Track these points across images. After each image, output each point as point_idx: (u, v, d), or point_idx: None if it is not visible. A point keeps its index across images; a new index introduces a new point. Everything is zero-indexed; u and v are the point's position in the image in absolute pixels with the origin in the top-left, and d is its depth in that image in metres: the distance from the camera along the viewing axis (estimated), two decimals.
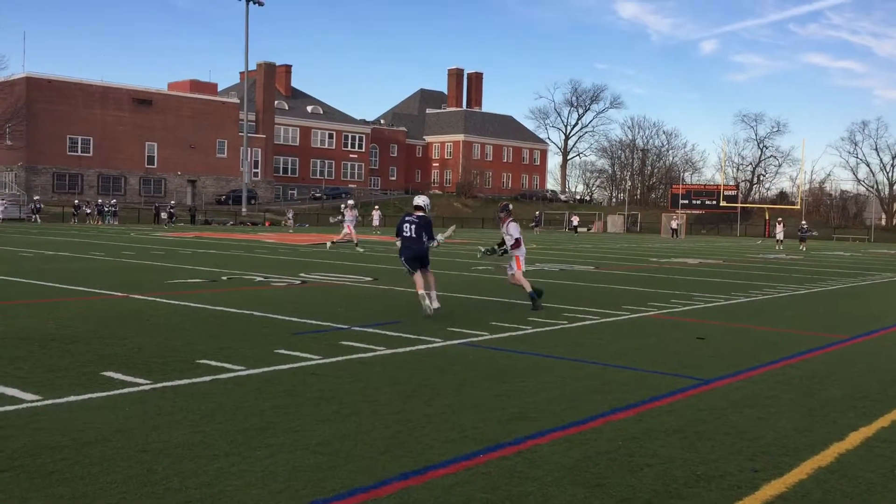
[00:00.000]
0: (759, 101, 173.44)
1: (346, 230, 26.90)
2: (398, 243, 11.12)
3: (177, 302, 11.14)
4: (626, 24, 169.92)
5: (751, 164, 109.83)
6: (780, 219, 51.72)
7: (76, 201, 55.78)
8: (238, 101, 76.31)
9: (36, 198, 55.79)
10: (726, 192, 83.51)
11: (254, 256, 22.19)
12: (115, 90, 68.70)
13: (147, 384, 5.99)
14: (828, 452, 4.88)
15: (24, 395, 5.52)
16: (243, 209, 65.91)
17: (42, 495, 3.74)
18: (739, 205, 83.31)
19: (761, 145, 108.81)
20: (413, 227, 10.97)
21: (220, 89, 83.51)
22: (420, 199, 11.47)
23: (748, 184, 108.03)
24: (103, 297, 11.55)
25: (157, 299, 11.41)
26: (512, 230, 11.89)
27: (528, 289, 11.62)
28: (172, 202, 61.98)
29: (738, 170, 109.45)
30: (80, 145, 66.61)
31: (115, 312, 9.96)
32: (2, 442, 4.49)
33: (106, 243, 27.24)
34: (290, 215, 58.99)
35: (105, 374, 6.29)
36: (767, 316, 12.06)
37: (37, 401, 5.40)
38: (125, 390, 5.80)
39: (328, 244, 27.19)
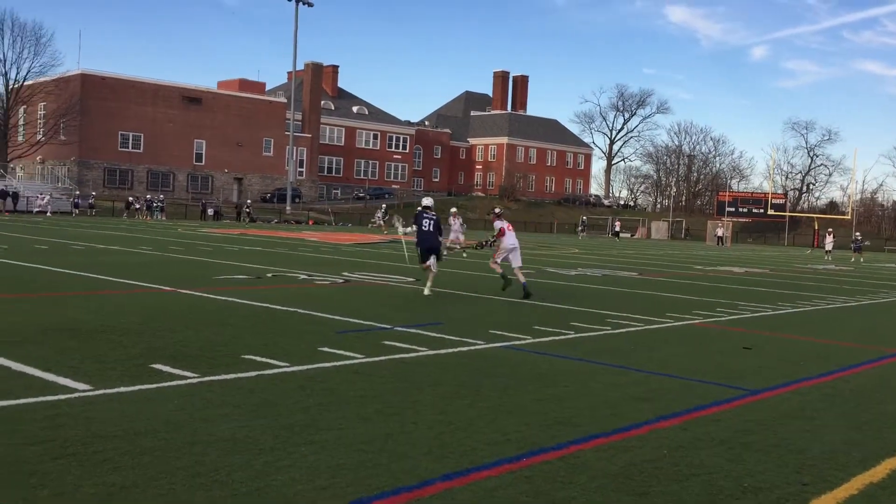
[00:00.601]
0: (810, 109, 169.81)
1: (453, 238, 25.58)
2: (410, 232, 13.55)
3: (223, 297, 11.30)
4: (675, 29, 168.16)
5: (800, 172, 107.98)
6: (829, 229, 50.99)
7: (129, 198, 56.94)
8: (285, 100, 77.15)
9: (76, 192, 57.06)
10: (774, 201, 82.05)
11: (297, 254, 22.41)
12: (166, 88, 69.91)
13: (195, 377, 6.09)
14: (879, 468, 4.77)
15: (76, 385, 5.65)
16: (288, 207, 66.58)
17: (94, 483, 3.82)
18: (788, 214, 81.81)
19: (811, 153, 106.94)
20: (431, 223, 13.10)
21: (267, 89, 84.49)
22: (428, 200, 13.85)
23: (797, 192, 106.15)
24: (152, 291, 11.76)
25: (204, 294, 11.58)
26: (496, 226, 14.24)
27: (499, 271, 14.00)
28: (210, 200, 62.86)
29: (786, 178, 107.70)
30: (130, 141, 67.91)
31: (163, 306, 10.14)
32: (56, 430, 4.60)
33: (154, 238, 27.74)
34: (380, 214, 51.17)
35: (154, 366, 6.40)
36: (817, 327, 11.82)
37: (88, 391, 5.52)
38: (173, 383, 5.90)
39: (464, 254, 25.45)
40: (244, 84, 77.38)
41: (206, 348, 7.27)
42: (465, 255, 25.23)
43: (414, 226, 13.46)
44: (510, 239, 13.99)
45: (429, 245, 13.02)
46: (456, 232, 26.30)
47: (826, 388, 7.12)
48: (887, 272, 30.43)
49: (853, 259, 42.52)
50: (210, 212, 58.24)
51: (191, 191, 70.11)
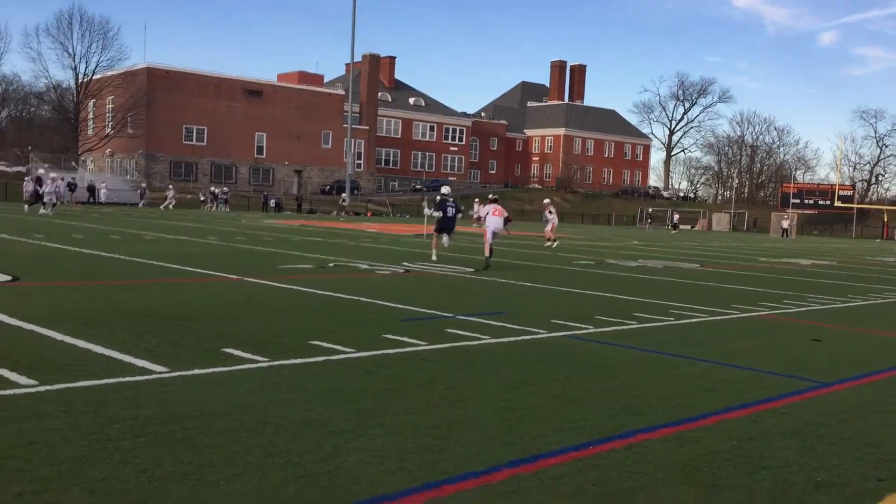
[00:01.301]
0: (880, 97, 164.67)
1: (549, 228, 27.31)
2: (436, 215, 17.35)
3: (287, 286, 11.50)
4: (741, 15, 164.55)
5: (868, 163, 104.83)
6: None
7: (213, 188, 58.01)
8: (343, 92, 77.85)
9: (144, 184, 58.51)
10: (841, 192, 79.80)
11: (358, 245, 22.65)
12: (228, 81, 71.21)
13: (265, 361, 6.23)
14: None
15: (153, 367, 5.83)
16: (346, 199, 67.29)
17: (173, 461, 3.95)
18: (856, 205, 79.48)
19: (881, 143, 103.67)
20: (453, 209, 17.36)
21: (326, 81, 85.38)
22: (446, 189, 18.56)
23: (865, 184, 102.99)
24: (220, 280, 12.04)
25: (270, 283, 11.81)
26: (482, 212, 17.84)
27: (487, 253, 16.70)
28: (271, 192, 63.77)
29: (854, 169, 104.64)
30: (195, 134, 69.42)
31: (232, 294, 10.38)
32: (136, 409, 4.77)
33: (219, 229, 28.33)
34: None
35: (225, 350, 6.57)
36: (888, 320, 11.49)
37: (164, 372, 5.70)
38: (244, 366, 6.04)
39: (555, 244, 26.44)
40: (303, 76, 78.33)
41: (274, 334, 7.42)
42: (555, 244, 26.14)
43: (439, 211, 17.26)
44: (494, 221, 17.15)
45: (451, 225, 17.47)
46: (552, 222, 27.63)
47: None
48: None
49: None
50: (272, 203, 59.20)
51: (252, 183, 71.34)
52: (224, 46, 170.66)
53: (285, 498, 3.60)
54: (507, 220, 17.57)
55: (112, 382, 5.36)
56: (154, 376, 5.59)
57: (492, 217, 17.19)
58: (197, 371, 5.80)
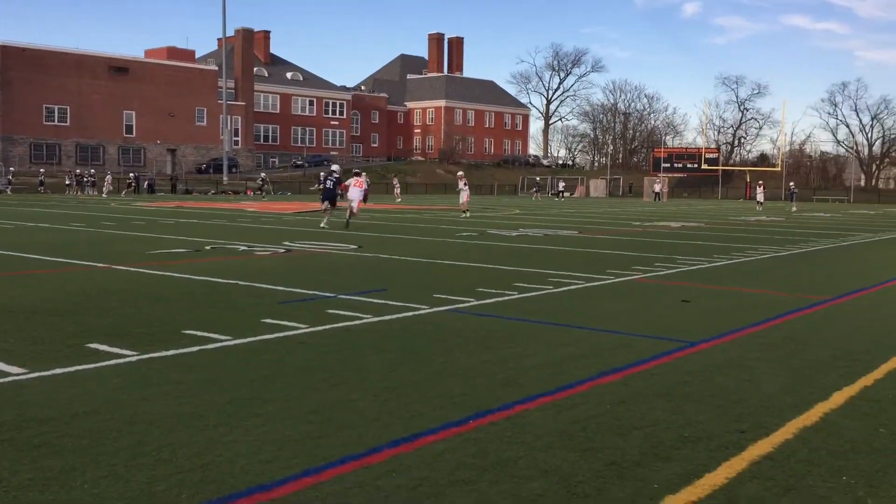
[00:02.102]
0: (741, 64, 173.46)
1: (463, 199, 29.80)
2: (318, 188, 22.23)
3: (160, 272, 11.07)
4: None
5: (732, 126, 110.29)
6: (760, 181, 53.14)
7: (78, 171, 55.24)
8: (216, 68, 75.29)
9: (13, 169, 55.19)
10: (708, 155, 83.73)
11: (237, 226, 22.06)
12: (91, 58, 67.61)
13: (134, 355, 5.96)
14: (812, 412, 4.95)
15: (9, 369, 5.47)
16: (224, 178, 65.36)
17: (32, 468, 3.73)
18: (721, 168, 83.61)
19: (742, 108, 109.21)
20: (332, 182, 21.34)
21: (197, 56, 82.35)
22: (335, 167, 22.75)
23: (729, 146, 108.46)
24: (86, 269, 11.45)
25: (141, 270, 11.33)
26: (351, 182, 21.50)
27: (347, 216, 20.97)
28: (144, 172, 61.32)
29: (719, 132, 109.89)
30: (56, 115, 65.66)
31: (99, 284, 9.89)
32: None
33: (86, 214, 26.97)
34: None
35: (91, 345, 6.25)
36: (750, 278, 12.15)
37: (23, 374, 5.36)
38: (112, 362, 5.77)
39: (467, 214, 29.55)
40: (173, 52, 75.27)
41: (144, 325, 7.12)
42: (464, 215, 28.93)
43: (321, 185, 21.77)
44: (354, 192, 21.34)
45: (330, 196, 21.38)
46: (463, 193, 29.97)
47: (760, 337, 7.34)
48: (816, 221, 31.41)
49: (794, 209, 44.13)
50: (144, 185, 56.79)
51: (122, 164, 68.23)
52: (86, 22, 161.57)
53: (154, 497, 3.46)
54: (365, 193, 22.33)
55: None
56: (10, 378, 5.25)
57: (353, 188, 21.33)
58: (59, 370, 5.49)
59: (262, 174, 59.29)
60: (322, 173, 22.85)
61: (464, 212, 29.44)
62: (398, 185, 57.30)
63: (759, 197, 47.66)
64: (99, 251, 14.00)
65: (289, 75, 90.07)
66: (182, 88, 72.34)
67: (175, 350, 6.17)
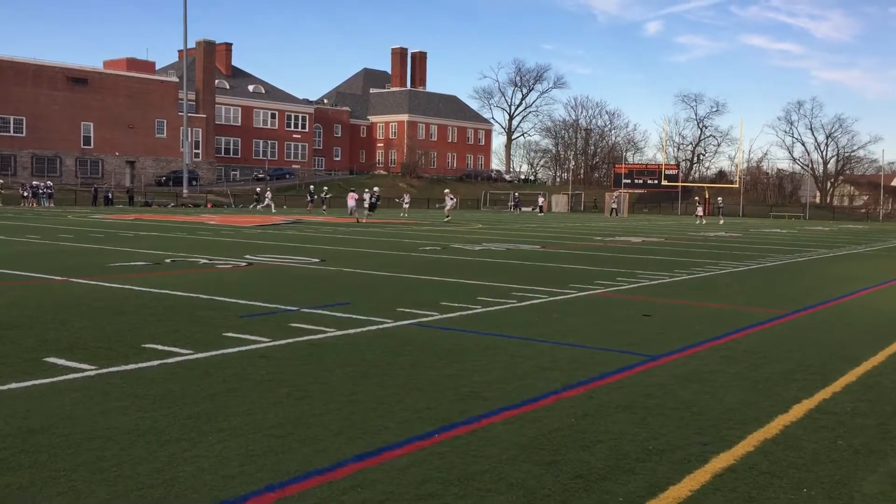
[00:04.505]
0: (701, 82, 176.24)
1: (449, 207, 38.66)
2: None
3: (119, 286, 10.89)
4: (572, 5, 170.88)
5: (691, 143, 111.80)
6: (696, 198, 59.40)
7: (34, 182, 54.13)
8: (177, 80, 74.51)
9: None
10: (667, 172, 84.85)
11: (197, 238, 21.80)
12: (49, 68, 66.44)
13: (92, 370, 5.85)
14: (773, 425, 5.02)
15: None
16: (184, 190, 64.59)
17: None
18: (680, 184, 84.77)
19: (701, 125, 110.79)
20: (375, 198, 29.79)
21: (158, 68, 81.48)
22: (376, 189, 30.30)
23: (689, 163, 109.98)
24: (42, 282, 11.22)
25: (99, 283, 11.13)
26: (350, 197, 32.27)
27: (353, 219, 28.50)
28: (102, 184, 60.39)
29: (678, 149, 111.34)
30: (12, 125, 64.35)
31: (56, 297, 9.70)
32: None
33: (42, 226, 26.45)
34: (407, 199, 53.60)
35: (48, 360, 6.12)
36: (710, 292, 12.33)
37: None
38: (70, 376, 5.65)
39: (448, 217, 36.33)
40: (132, 63, 74.38)
41: (103, 339, 7.00)
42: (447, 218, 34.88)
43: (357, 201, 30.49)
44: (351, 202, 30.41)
45: (372, 208, 29.58)
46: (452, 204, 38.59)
47: (722, 350, 7.44)
48: (774, 237, 31.98)
49: (721, 222, 50.55)
50: (103, 197, 55.85)
51: (80, 176, 67.07)
52: (44, 32, 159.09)
53: None
54: (371, 203, 32.79)
55: None
56: None
57: (352, 200, 29.52)
58: (14, 385, 5.36)
59: (258, 188, 59.32)
60: (366, 191, 34.43)
61: (447, 216, 37.36)
62: (450, 201, 45.88)
63: (699, 211, 53.31)
64: (56, 264, 13.74)
65: (251, 88, 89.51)
66: (142, 100, 71.46)
67: (135, 364, 6.07)
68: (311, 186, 55.53)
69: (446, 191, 41.33)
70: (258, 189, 57.62)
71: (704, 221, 49.84)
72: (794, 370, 6.63)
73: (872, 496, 3.92)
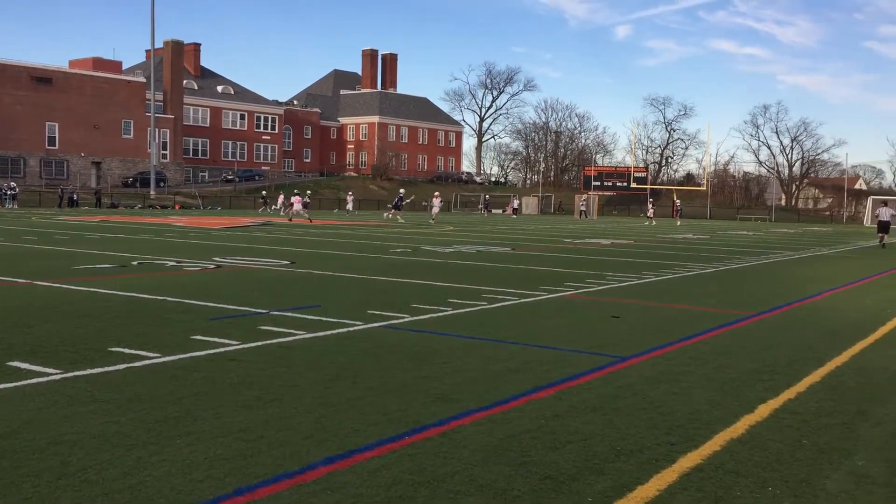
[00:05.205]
0: (669, 86, 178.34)
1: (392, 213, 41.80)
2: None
3: (85, 288, 10.74)
4: (543, 9, 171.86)
5: (659, 146, 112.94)
6: (651, 199, 60.97)
7: (12, 184, 53.13)
8: (144, 80, 73.67)
9: None
10: (636, 174, 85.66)
11: (165, 241, 21.57)
12: (12, 67, 65.34)
13: (57, 374, 5.76)
14: (739, 424, 5.09)
15: None
16: (152, 192, 63.89)
17: None
18: (649, 186, 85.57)
19: (669, 128, 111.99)
20: (399, 200, 35.77)
21: (124, 68, 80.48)
22: (402, 190, 33.48)
23: (657, 166, 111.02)
24: (5, 284, 11.03)
25: (64, 286, 10.97)
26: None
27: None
28: (67, 185, 59.52)
29: (647, 152, 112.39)
30: None
31: (20, 300, 9.54)
32: None
33: (5, 228, 26.00)
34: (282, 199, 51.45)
35: (11, 364, 6.01)
36: (678, 294, 12.45)
37: None
38: (34, 380, 5.56)
39: (394, 218, 38.78)
40: (99, 63, 73.39)
41: (68, 342, 6.90)
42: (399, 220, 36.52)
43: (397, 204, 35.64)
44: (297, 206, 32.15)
45: (397, 206, 36.02)
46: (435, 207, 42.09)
47: (689, 351, 7.52)
48: (740, 239, 32.39)
49: (679, 223, 52.49)
50: (68, 198, 55.07)
51: (45, 177, 66.04)
52: (7, 30, 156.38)
53: None
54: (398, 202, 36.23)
55: None
56: None
57: (297, 204, 31.54)
58: None
59: (264, 192, 59.19)
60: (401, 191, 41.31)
61: (432, 219, 40.04)
62: (438, 203, 45.92)
63: (650, 213, 54.20)
64: (20, 266, 13.51)
65: (219, 89, 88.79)
66: (108, 100, 70.53)
67: (101, 368, 5.99)
68: (264, 192, 55.59)
69: (436, 194, 43.08)
70: (263, 193, 56.75)
71: (654, 223, 50.28)
72: (760, 370, 6.72)
73: (836, 494, 3.99)
